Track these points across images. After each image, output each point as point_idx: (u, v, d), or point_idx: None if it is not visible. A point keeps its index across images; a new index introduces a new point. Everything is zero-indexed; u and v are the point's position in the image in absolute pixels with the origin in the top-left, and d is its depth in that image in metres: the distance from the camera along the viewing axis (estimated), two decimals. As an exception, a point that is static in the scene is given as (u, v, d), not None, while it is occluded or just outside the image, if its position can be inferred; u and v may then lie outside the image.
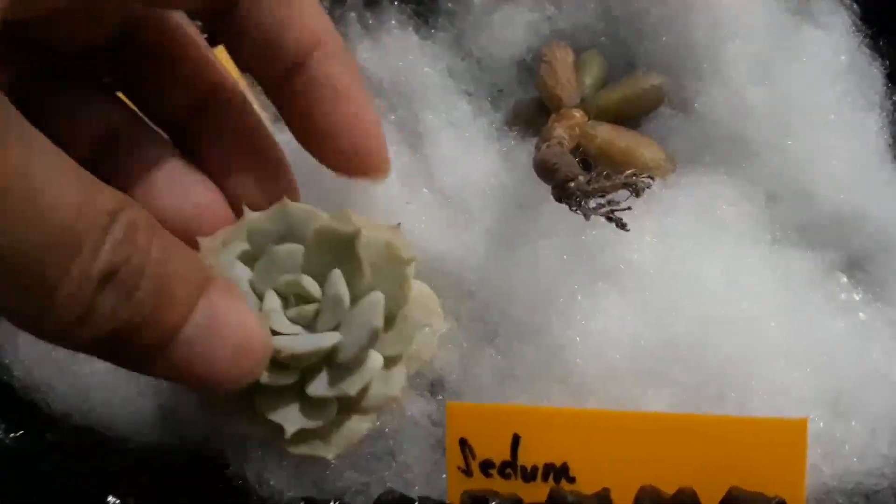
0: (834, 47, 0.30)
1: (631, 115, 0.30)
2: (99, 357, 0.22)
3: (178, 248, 0.22)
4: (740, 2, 0.30)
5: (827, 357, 0.25)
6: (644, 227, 0.27)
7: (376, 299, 0.25)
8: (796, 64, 0.30)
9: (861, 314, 0.27)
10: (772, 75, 0.30)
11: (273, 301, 0.25)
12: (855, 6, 0.30)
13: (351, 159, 0.27)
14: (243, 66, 0.27)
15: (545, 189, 0.25)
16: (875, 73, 0.30)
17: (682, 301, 0.26)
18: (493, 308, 0.27)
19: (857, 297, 0.27)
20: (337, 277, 0.25)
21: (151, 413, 0.27)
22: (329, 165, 0.27)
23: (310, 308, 0.25)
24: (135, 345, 0.21)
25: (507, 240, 0.28)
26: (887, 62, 0.31)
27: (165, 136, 0.27)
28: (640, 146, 0.28)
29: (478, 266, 0.28)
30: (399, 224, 0.26)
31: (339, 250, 0.25)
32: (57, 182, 0.20)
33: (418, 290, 0.27)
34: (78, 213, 0.20)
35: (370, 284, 0.25)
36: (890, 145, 0.31)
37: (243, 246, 0.26)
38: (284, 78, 0.26)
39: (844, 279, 0.28)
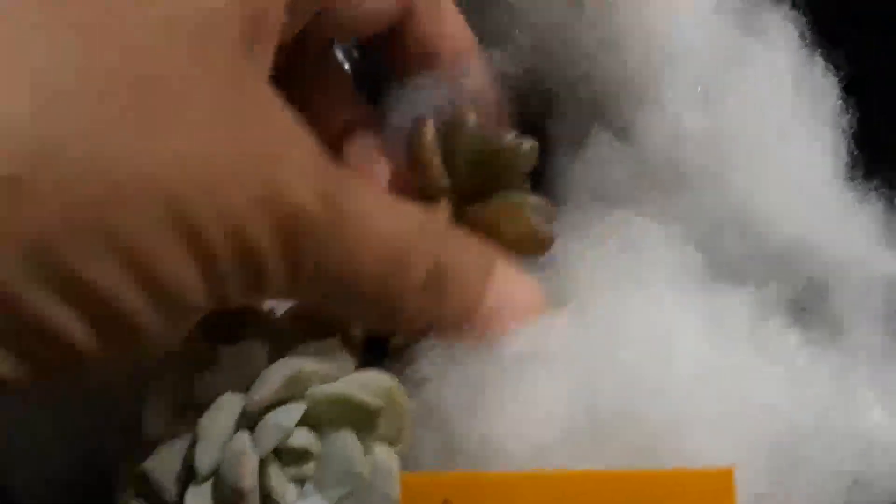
0: (781, 63, 0.28)
1: (504, 185, 0.28)
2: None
3: (463, 239, 0.26)
4: (679, 18, 0.28)
5: (763, 413, 0.24)
6: (567, 288, 0.26)
7: (390, 467, 0.23)
8: (740, 85, 0.28)
9: (801, 361, 0.25)
10: (713, 97, 0.28)
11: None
12: (804, 17, 0.28)
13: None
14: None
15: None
16: (828, 88, 0.28)
17: (611, 369, 0.24)
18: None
19: (797, 344, 0.25)
20: (349, 440, 0.23)
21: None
22: None
23: (308, 467, 0.23)
24: (445, 326, 0.25)
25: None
26: (842, 74, 0.29)
27: None
28: (505, 223, 0.27)
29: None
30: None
31: (353, 417, 0.24)
32: (380, 211, 0.23)
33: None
34: (400, 235, 0.23)
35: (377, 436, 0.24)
36: (846, 164, 0.29)
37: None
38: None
39: (788, 325, 0.26)
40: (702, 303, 0.26)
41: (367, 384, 0.23)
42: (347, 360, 0.23)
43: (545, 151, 0.31)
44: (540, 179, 0.31)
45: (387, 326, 0.25)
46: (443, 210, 0.27)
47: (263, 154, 0.20)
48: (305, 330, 0.23)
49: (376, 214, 0.23)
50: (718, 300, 0.26)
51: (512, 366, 0.25)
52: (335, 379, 0.23)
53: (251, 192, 0.20)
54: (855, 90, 0.29)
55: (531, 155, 0.27)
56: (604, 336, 0.25)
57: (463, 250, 0.25)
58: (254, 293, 0.21)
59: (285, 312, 0.25)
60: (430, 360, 0.26)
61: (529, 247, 0.27)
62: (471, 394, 0.25)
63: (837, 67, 0.29)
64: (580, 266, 0.28)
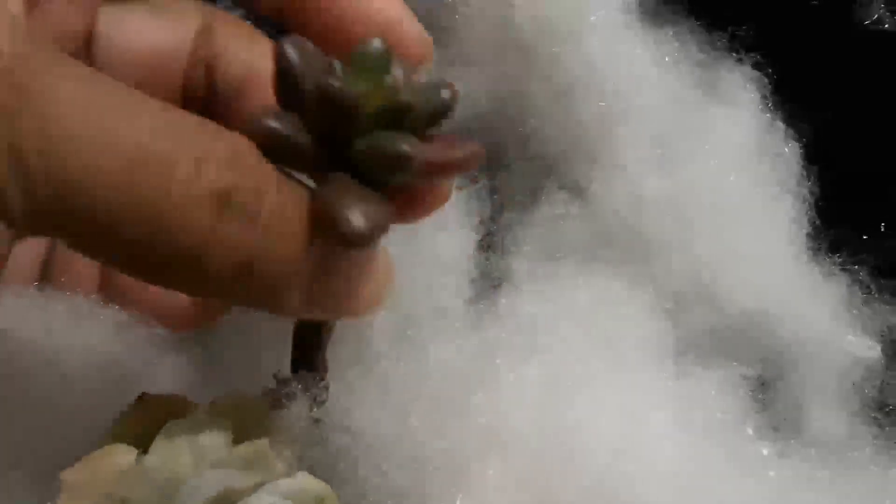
0: (743, 127, 0.27)
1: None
2: (232, 299, 0.23)
3: (284, 176, 0.21)
4: (636, 75, 0.27)
5: None
6: (524, 372, 0.24)
7: None
8: (701, 148, 0.27)
9: (771, 471, 0.23)
10: (673, 161, 0.27)
11: None
12: (766, 80, 0.28)
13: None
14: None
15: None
16: (790, 154, 0.28)
17: (569, 462, 0.23)
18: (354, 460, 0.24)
19: (769, 455, 0.24)
20: None
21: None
22: None
23: None
24: (265, 275, 0.20)
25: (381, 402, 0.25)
26: (804, 140, 0.28)
27: None
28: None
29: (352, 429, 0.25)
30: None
31: None
32: (133, 104, 0.19)
33: None
34: (165, 132, 0.19)
35: None
36: (808, 234, 0.28)
37: None
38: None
39: (758, 431, 0.24)
40: (670, 388, 0.24)
41: (300, 493, 0.21)
42: (275, 466, 0.21)
43: (496, 207, 0.30)
44: (490, 233, 0.30)
45: (203, 291, 0.22)
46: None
47: None
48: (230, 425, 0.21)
49: (95, 106, 0.19)
50: (685, 386, 0.25)
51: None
52: (267, 483, 0.21)
53: None
54: (817, 158, 0.28)
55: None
56: (567, 423, 0.24)
57: (284, 183, 0.21)
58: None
59: (209, 404, 0.23)
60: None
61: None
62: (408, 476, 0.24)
63: (800, 133, 0.28)
64: (540, 329, 0.26)
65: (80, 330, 0.25)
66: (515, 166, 0.30)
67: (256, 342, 0.27)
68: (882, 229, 0.28)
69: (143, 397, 0.23)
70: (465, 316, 0.27)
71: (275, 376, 0.24)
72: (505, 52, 0.28)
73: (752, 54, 0.28)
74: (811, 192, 0.28)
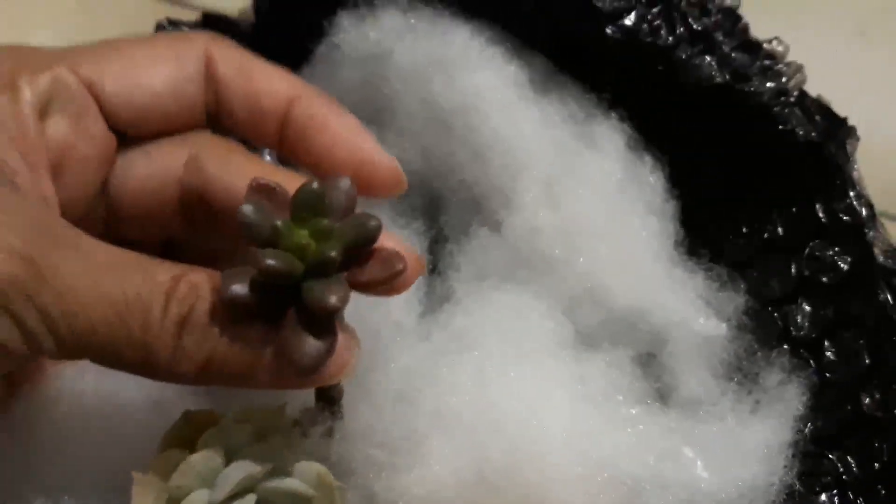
0: (614, 166, 0.34)
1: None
2: (211, 384, 0.27)
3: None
4: (530, 132, 0.34)
5: (611, 472, 0.29)
6: (460, 368, 0.31)
7: None
8: (583, 185, 0.34)
9: (642, 426, 0.31)
10: (562, 197, 0.34)
11: None
12: (627, 126, 0.35)
13: (354, 172, 0.29)
14: (243, 138, 0.32)
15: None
16: (655, 182, 0.35)
17: (494, 432, 0.29)
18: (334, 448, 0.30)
19: (639, 413, 0.31)
20: None
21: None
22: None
23: None
24: (231, 368, 0.26)
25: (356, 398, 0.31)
26: (669, 170, 0.35)
27: None
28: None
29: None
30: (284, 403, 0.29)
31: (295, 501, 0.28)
32: (118, 265, 0.25)
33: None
34: (142, 284, 0.25)
35: None
36: (676, 243, 0.35)
37: None
38: (277, 134, 0.31)
39: (632, 393, 0.32)
40: (568, 371, 0.31)
41: (303, 474, 0.28)
42: (286, 455, 0.28)
43: (438, 242, 0.37)
44: (434, 260, 0.37)
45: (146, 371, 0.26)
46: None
47: None
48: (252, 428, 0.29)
49: (91, 273, 0.25)
50: (580, 368, 0.32)
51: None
52: (280, 471, 0.28)
53: None
54: (677, 183, 0.35)
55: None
56: (494, 403, 0.30)
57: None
58: (36, 353, 0.25)
59: (232, 414, 0.30)
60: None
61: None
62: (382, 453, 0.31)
63: (663, 165, 0.35)
64: (472, 334, 0.33)
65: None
66: (450, 209, 0.37)
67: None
68: (730, 235, 0.35)
69: (186, 414, 0.30)
70: (417, 328, 0.34)
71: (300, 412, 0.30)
72: (429, 125, 0.35)
73: (616, 110, 0.35)
74: (674, 209, 0.35)
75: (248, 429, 0.30)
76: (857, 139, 0.35)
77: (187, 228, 0.32)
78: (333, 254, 0.25)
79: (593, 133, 0.35)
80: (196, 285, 0.26)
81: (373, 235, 0.26)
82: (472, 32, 0.35)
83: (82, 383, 0.32)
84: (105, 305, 0.25)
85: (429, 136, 0.36)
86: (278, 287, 0.25)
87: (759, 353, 0.33)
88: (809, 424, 0.32)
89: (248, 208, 0.25)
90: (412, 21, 0.36)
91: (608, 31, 0.35)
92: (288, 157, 0.32)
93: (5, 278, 0.24)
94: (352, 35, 0.37)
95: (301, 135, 0.31)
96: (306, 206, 0.26)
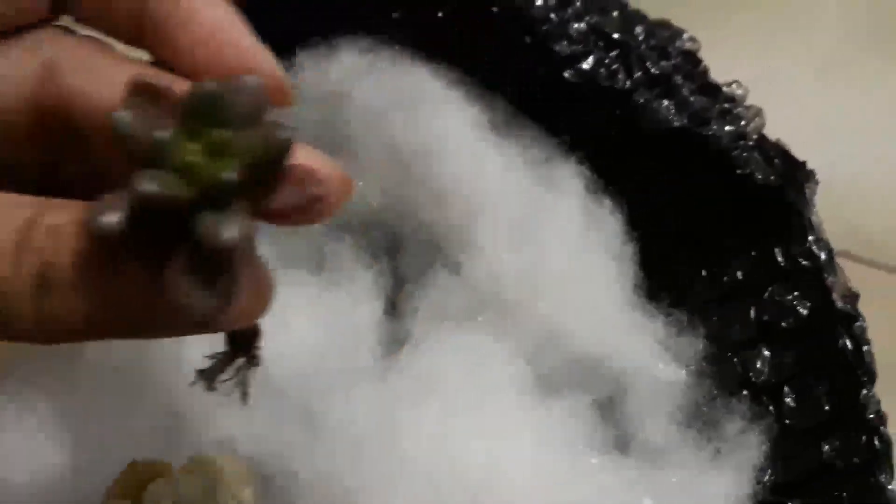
0: (574, 208, 0.34)
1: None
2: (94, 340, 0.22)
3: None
4: (490, 175, 0.34)
5: None
6: (419, 413, 0.30)
7: None
8: (543, 228, 0.34)
9: (602, 475, 0.31)
10: (522, 240, 0.34)
11: None
12: (586, 169, 0.35)
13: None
14: (90, 23, 0.25)
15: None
16: (613, 225, 0.35)
17: (454, 476, 0.29)
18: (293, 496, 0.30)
19: (600, 463, 0.31)
20: None
21: None
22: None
23: None
24: (110, 327, 0.21)
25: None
26: (628, 213, 0.35)
27: None
28: None
29: (277, 452, 0.31)
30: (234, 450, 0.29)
31: None
32: None
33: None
34: None
35: None
36: (636, 287, 0.35)
37: None
38: (136, 30, 0.24)
39: (592, 444, 0.31)
40: (529, 417, 0.31)
41: None
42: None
43: (397, 282, 0.37)
44: (394, 303, 0.36)
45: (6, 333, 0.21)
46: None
47: None
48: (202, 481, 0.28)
49: None
50: (541, 414, 0.31)
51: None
52: None
53: None
54: (638, 226, 0.35)
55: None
56: (456, 450, 0.30)
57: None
58: None
59: (184, 465, 0.29)
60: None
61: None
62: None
63: (622, 208, 0.35)
64: (431, 378, 0.33)
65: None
66: (409, 251, 0.36)
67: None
68: (690, 279, 0.35)
69: (132, 464, 0.29)
70: (375, 370, 0.33)
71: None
72: (390, 166, 0.35)
73: (576, 153, 0.35)
74: (633, 253, 0.35)
75: (197, 481, 0.29)
76: (817, 183, 0.35)
77: (48, 154, 0.25)
78: (231, 174, 0.19)
79: (553, 176, 0.35)
80: (55, 229, 0.20)
81: (283, 150, 0.20)
82: (432, 74, 0.35)
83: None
84: None
85: (389, 177, 0.35)
86: (162, 218, 0.19)
87: (718, 400, 0.33)
88: (770, 472, 0.32)
89: (123, 115, 0.20)
90: (373, 62, 0.36)
91: (566, 75, 0.35)
92: (154, 58, 0.25)
93: None
94: (311, 74, 0.36)
95: (161, 32, 0.24)
96: (200, 114, 0.20)
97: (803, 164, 0.35)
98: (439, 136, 0.34)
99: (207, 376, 0.24)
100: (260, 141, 0.20)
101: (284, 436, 0.31)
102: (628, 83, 0.34)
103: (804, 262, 0.34)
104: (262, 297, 0.21)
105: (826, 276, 0.34)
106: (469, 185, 0.34)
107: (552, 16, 0.34)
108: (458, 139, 0.34)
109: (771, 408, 0.33)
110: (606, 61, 0.34)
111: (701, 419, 0.33)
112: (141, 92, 0.20)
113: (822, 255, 0.34)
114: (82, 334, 0.21)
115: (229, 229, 0.19)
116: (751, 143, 0.35)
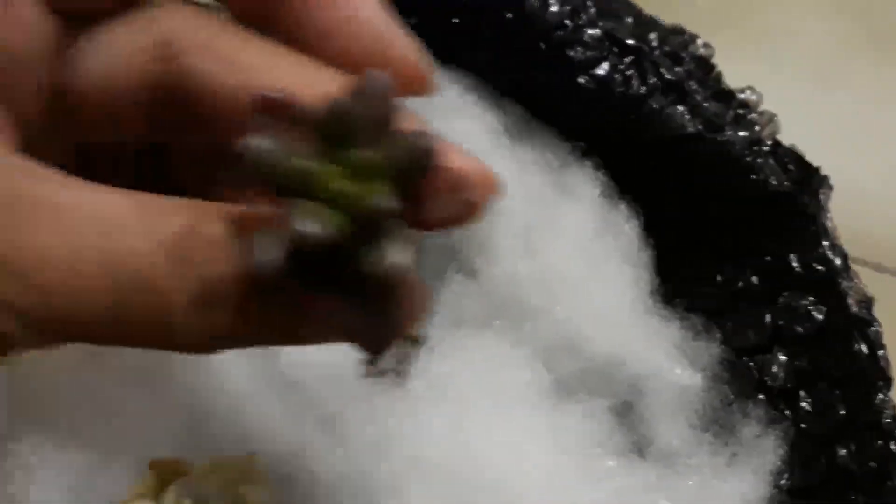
0: (589, 214, 0.34)
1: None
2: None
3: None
4: (505, 181, 0.34)
5: None
6: (437, 417, 0.30)
7: None
8: (559, 233, 0.34)
9: (618, 479, 0.31)
10: (538, 246, 0.34)
11: None
12: (601, 174, 0.35)
13: (363, 62, 0.21)
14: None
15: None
16: (628, 230, 0.35)
17: (471, 481, 0.29)
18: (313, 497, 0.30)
19: (616, 466, 0.31)
20: None
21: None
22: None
23: None
24: (266, 339, 0.21)
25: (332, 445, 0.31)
26: (644, 218, 0.35)
27: None
28: None
29: (296, 453, 0.31)
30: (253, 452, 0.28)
31: None
32: (109, 221, 0.19)
33: None
34: (142, 250, 0.19)
35: None
36: (651, 291, 0.35)
37: None
38: (263, 9, 0.22)
39: (608, 448, 0.31)
40: (546, 421, 0.31)
41: None
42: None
43: None
44: None
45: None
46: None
47: None
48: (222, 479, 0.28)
49: (74, 243, 0.18)
50: (558, 418, 0.32)
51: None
52: None
53: None
54: (652, 231, 0.35)
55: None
56: (473, 453, 0.30)
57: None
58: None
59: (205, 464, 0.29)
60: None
61: None
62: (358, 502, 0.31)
63: (637, 214, 0.35)
64: (448, 382, 0.33)
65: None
66: (425, 254, 0.35)
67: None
68: (704, 285, 0.35)
69: (152, 463, 0.29)
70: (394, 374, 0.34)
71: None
72: None
73: (591, 159, 0.35)
74: (650, 258, 0.35)
75: (218, 480, 0.29)
76: (831, 188, 0.36)
77: (157, 133, 0.24)
78: (388, 201, 0.18)
79: (568, 181, 0.35)
80: (213, 241, 0.19)
81: (429, 160, 0.19)
82: (448, 80, 0.36)
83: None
84: (90, 285, 0.18)
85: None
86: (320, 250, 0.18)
87: (734, 404, 0.33)
88: (786, 476, 0.32)
89: (257, 143, 0.18)
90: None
91: (580, 80, 0.35)
92: (278, 36, 0.22)
93: None
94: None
95: (293, 12, 0.22)
96: (337, 133, 0.18)
97: (817, 169, 0.36)
98: (455, 141, 0.35)
99: (372, 360, 0.22)
100: (404, 154, 0.19)
101: (304, 437, 0.31)
102: (643, 89, 0.34)
103: (819, 268, 0.34)
104: (420, 307, 0.21)
105: (841, 281, 0.34)
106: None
107: (567, 22, 0.34)
108: (473, 144, 0.34)
109: (787, 412, 0.33)
110: (621, 67, 0.35)
111: (717, 423, 0.33)
112: (266, 107, 0.19)
113: (837, 261, 0.34)
114: (236, 346, 0.21)
115: (397, 258, 0.18)
116: (765, 148, 0.36)
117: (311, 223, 0.18)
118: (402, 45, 0.22)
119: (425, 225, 0.20)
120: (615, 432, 0.32)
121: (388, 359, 0.22)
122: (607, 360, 0.33)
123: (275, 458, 0.31)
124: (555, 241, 0.34)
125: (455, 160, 0.20)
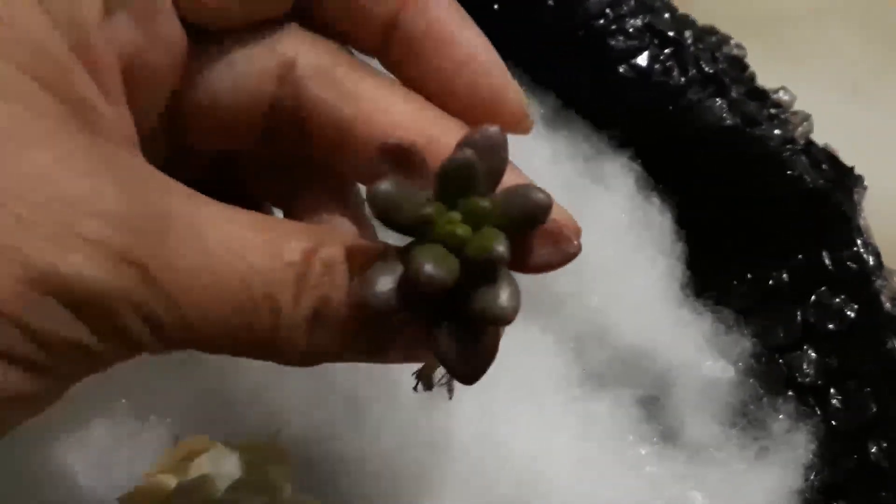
0: (623, 204, 0.34)
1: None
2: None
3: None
4: (537, 169, 0.34)
5: None
6: (466, 402, 0.30)
7: None
8: (591, 223, 0.34)
9: (648, 468, 0.31)
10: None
11: None
12: (637, 166, 0.35)
13: (476, 106, 0.23)
14: (336, 37, 0.24)
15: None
16: (661, 222, 0.35)
17: (499, 466, 0.30)
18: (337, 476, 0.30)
19: (647, 453, 0.31)
20: None
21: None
22: (462, 119, 0.24)
23: None
24: (365, 360, 0.22)
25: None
26: (677, 211, 0.35)
27: None
28: None
29: (324, 436, 0.31)
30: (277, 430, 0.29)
31: None
32: (237, 243, 0.20)
33: None
34: (268, 269, 0.20)
35: None
36: (683, 285, 0.35)
37: None
38: (383, 40, 0.24)
39: (640, 435, 0.32)
40: (575, 409, 0.32)
41: None
42: (281, 486, 0.28)
43: None
44: None
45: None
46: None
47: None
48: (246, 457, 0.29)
49: (207, 263, 0.19)
50: (587, 407, 0.32)
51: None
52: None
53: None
54: (685, 224, 0.35)
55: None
56: (499, 439, 0.30)
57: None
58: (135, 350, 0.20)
59: (223, 442, 0.29)
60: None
61: None
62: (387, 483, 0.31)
63: (672, 207, 0.35)
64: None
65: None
66: None
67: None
68: (735, 280, 0.35)
69: (178, 439, 0.29)
70: None
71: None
72: None
73: (626, 149, 0.35)
74: (682, 251, 0.35)
75: (242, 458, 0.29)
76: (865, 188, 0.35)
77: (265, 146, 0.25)
78: (502, 249, 0.19)
79: (603, 171, 0.35)
80: (331, 265, 0.21)
81: (541, 214, 0.20)
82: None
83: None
84: (223, 302, 0.20)
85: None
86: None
87: (764, 399, 0.33)
88: (816, 472, 0.32)
89: (384, 188, 0.20)
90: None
91: (620, 69, 0.35)
92: (392, 71, 0.24)
93: (110, 292, 0.18)
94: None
95: (413, 48, 0.23)
96: (455, 182, 0.20)
97: (851, 168, 0.36)
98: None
99: (425, 377, 0.25)
100: (518, 207, 0.20)
101: (329, 419, 0.31)
102: (682, 80, 0.34)
103: (852, 266, 0.34)
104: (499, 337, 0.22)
105: (874, 279, 0.34)
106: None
107: (607, 11, 0.34)
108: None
109: (817, 409, 0.33)
110: (661, 58, 0.35)
111: (746, 418, 0.33)
112: (390, 155, 0.20)
113: (871, 259, 0.34)
114: (326, 361, 0.22)
115: (510, 302, 0.20)
116: (799, 147, 0.36)
117: (435, 266, 0.19)
118: (512, 89, 0.24)
119: (525, 270, 0.21)
120: (644, 422, 0.32)
121: (439, 376, 0.25)
122: (638, 351, 0.33)
123: (299, 438, 0.31)
124: (588, 231, 0.33)
125: (555, 212, 0.21)
